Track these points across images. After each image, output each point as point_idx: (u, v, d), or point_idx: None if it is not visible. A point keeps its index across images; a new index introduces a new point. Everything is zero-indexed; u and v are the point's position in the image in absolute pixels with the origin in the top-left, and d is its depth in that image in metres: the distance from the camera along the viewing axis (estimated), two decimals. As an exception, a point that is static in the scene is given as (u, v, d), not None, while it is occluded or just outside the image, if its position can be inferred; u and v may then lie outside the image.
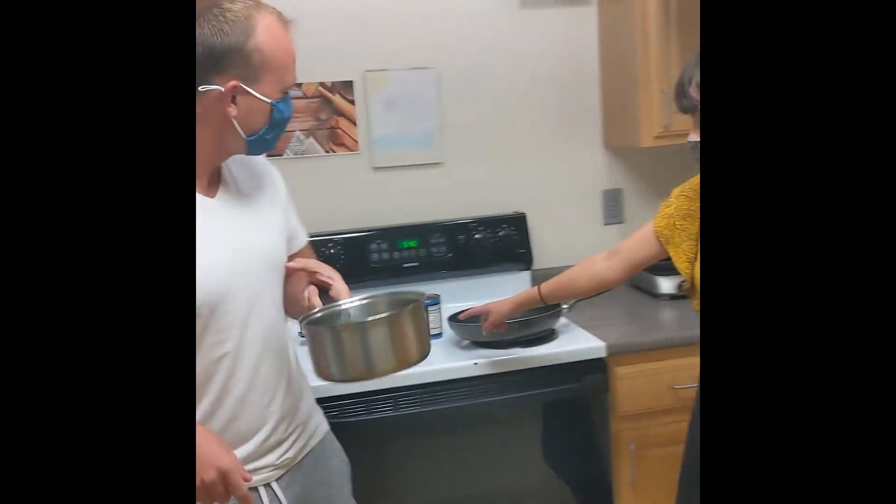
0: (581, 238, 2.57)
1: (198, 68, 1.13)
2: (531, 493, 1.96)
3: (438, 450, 1.90)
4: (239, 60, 1.15)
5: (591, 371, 1.93)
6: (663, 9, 2.17)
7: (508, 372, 1.89)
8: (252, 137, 1.22)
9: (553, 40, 2.48)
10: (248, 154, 1.29)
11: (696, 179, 1.65)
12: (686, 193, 1.65)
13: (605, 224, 2.60)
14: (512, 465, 1.93)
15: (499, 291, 2.33)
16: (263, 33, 1.17)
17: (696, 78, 1.40)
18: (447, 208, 2.44)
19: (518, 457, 1.94)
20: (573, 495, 1.99)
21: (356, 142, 2.39)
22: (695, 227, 1.61)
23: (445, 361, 1.90)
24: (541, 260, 2.49)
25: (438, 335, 2.10)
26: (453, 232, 2.38)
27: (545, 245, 2.53)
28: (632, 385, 1.97)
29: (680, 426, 1.98)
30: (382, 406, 1.83)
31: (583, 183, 2.57)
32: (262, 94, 1.19)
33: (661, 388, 1.97)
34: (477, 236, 2.38)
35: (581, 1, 2.48)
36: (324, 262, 2.24)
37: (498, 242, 2.40)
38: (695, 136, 1.45)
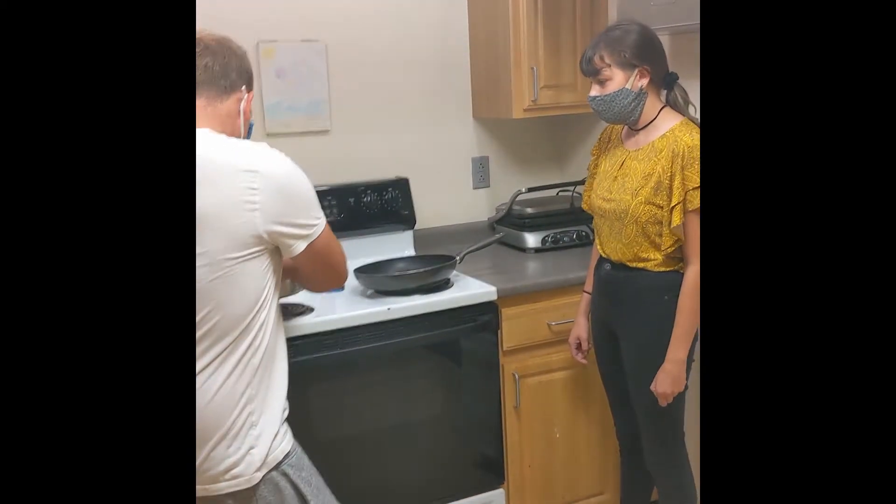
0: (454, 201, 2.85)
1: (236, 81, 1.52)
2: (436, 419, 2.23)
3: (357, 387, 2.11)
4: (251, 78, 1.58)
5: (484, 312, 2.22)
6: (531, -3, 2.49)
7: (416, 316, 2.13)
8: (250, 127, 1.62)
9: (429, 20, 2.73)
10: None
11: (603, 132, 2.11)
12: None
13: (474, 188, 2.90)
14: (420, 397, 2.19)
15: (386, 248, 2.58)
16: None
17: (599, 51, 1.86)
18: (335, 173, 2.62)
19: (424, 389, 2.20)
20: (472, 416, 2.28)
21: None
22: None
23: (359, 308, 2.10)
24: (421, 220, 2.74)
25: (340, 288, 2.30)
26: (344, 195, 2.57)
27: (423, 207, 2.78)
28: (516, 324, 2.29)
29: (555, 357, 2.34)
30: (305, 349, 2.01)
31: (454, 151, 2.85)
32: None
33: (541, 326, 2.30)
34: (366, 199, 2.59)
35: (452, -15, 2.74)
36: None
37: (384, 205, 2.62)
38: (594, 92, 1.90)
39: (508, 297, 2.26)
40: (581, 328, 2.18)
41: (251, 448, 1.38)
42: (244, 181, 1.34)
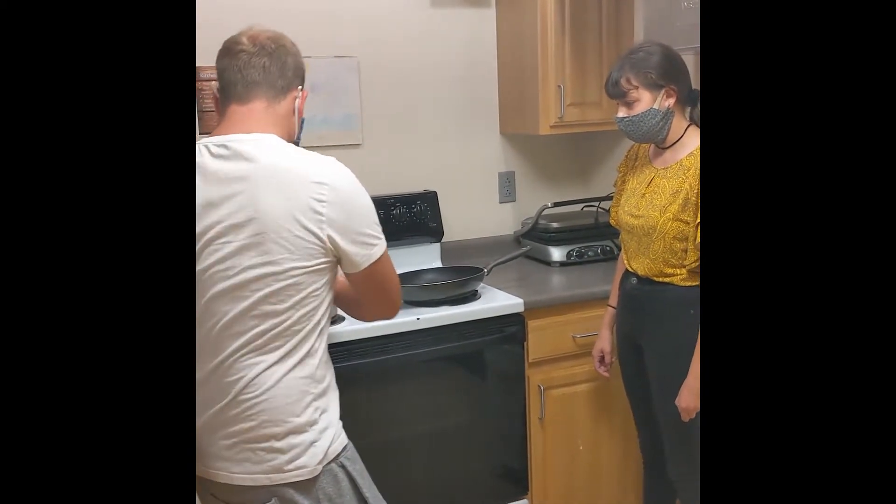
0: (480, 214, 2.91)
1: (292, 80, 1.53)
2: (463, 428, 2.27)
3: (386, 396, 2.16)
4: (304, 76, 1.59)
5: (511, 324, 2.27)
6: (559, 14, 2.54)
7: (444, 326, 2.18)
8: (302, 122, 1.61)
9: (458, 38, 2.79)
10: (295, 140, 1.60)
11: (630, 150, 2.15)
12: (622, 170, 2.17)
13: (501, 202, 2.96)
14: (447, 407, 2.23)
15: (415, 260, 2.63)
16: None
17: (625, 73, 1.88)
18: (367, 185, 2.66)
19: (452, 399, 2.24)
20: (495, 429, 2.32)
21: (284, 122, 2.57)
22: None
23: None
24: (448, 233, 2.80)
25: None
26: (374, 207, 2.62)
27: (450, 220, 2.84)
28: (542, 336, 2.33)
29: (579, 370, 2.38)
30: (337, 357, 2.06)
31: (482, 165, 2.90)
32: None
33: (565, 338, 2.35)
34: (395, 211, 2.65)
35: (482, 3, 2.80)
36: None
37: (413, 217, 2.68)
38: (622, 113, 1.94)
39: (534, 309, 2.30)
40: (605, 341, 2.22)
41: (314, 441, 1.44)
42: (314, 192, 1.38)
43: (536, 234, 2.81)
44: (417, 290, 2.30)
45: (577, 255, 2.71)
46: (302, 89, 1.56)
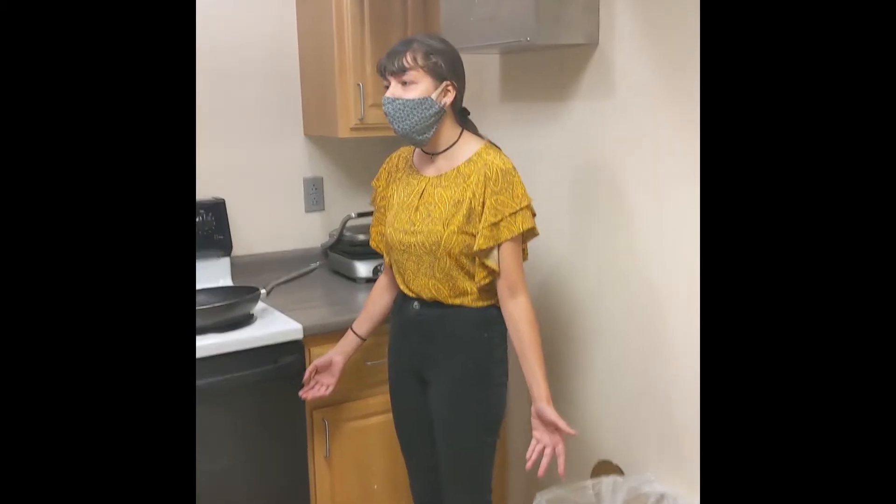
0: (283, 225, 2.62)
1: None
2: (231, 472, 1.98)
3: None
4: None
5: (288, 353, 2.00)
6: (357, 5, 2.29)
7: (204, 357, 1.89)
8: None
9: (258, 26, 2.50)
10: None
11: (386, 163, 1.90)
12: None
13: (307, 211, 2.68)
14: (218, 446, 1.94)
15: (201, 276, 2.32)
16: None
17: (412, 50, 1.66)
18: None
19: (220, 438, 1.95)
20: (273, 470, 2.05)
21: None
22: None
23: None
24: (241, 246, 2.51)
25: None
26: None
27: (246, 231, 2.54)
28: (327, 364, 2.07)
29: (368, 402, 2.14)
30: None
31: (284, 171, 2.62)
32: None
33: (353, 366, 2.10)
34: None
35: (281, -10, 2.52)
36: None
37: (195, 229, 2.37)
38: (394, 94, 1.69)
39: (318, 335, 2.04)
40: (325, 360, 1.97)
41: None
42: None
43: (342, 248, 2.55)
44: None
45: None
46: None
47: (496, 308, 1.76)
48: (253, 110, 2.53)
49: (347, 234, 2.54)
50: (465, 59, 1.74)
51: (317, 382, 1.98)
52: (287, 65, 2.57)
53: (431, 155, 1.75)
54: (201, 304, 2.07)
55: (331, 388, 1.97)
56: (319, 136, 2.63)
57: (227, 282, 2.40)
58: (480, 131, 1.79)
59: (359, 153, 2.72)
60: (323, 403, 2.08)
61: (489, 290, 1.74)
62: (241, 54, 2.48)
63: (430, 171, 1.76)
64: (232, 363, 1.93)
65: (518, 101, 2.20)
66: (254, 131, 2.54)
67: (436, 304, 1.77)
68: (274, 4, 2.51)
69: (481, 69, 2.28)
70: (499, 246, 1.67)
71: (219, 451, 1.96)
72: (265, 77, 2.53)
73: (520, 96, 2.20)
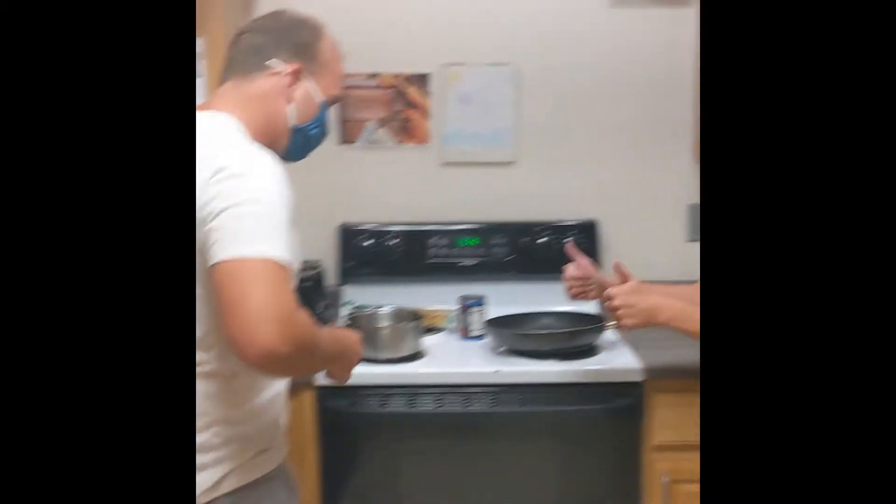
0: (660, 253, 2.41)
1: (266, 51, 1.25)
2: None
3: (449, 453, 1.83)
4: (308, 53, 1.28)
5: (623, 394, 1.80)
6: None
7: (531, 385, 1.80)
8: (299, 126, 1.28)
9: (643, 44, 2.34)
10: (284, 154, 1.28)
11: None
12: None
13: (690, 241, 2.42)
14: (525, 484, 1.83)
15: (559, 300, 2.24)
16: (329, 42, 1.32)
17: None
18: (514, 209, 2.37)
19: (533, 475, 1.84)
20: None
21: (427, 135, 2.37)
22: None
23: (470, 366, 1.84)
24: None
25: (481, 337, 2.05)
26: (516, 234, 2.30)
27: (618, 257, 2.39)
28: (672, 413, 1.82)
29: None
30: (398, 400, 1.80)
31: (666, 195, 2.41)
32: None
33: (705, 422, 1.80)
34: (541, 240, 2.29)
35: (679, 1, 2.32)
36: (381, 254, 2.25)
37: (563, 249, 2.29)
38: None
39: (662, 379, 1.80)
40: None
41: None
42: None
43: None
44: (514, 336, 1.94)
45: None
46: (297, 65, 1.26)
47: None
48: (635, 128, 2.37)
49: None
50: None
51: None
52: (678, 85, 2.35)
53: None
54: (544, 327, 1.99)
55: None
56: (709, 159, 2.35)
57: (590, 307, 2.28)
58: None
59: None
60: (664, 458, 1.82)
61: None
62: (622, 70, 2.35)
63: None
64: (559, 396, 1.81)
65: None
66: (636, 151, 2.38)
67: None
68: (665, 22, 2.33)
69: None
70: None
71: (533, 486, 1.85)
72: (649, 94, 2.36)
73: None
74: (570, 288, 1.80)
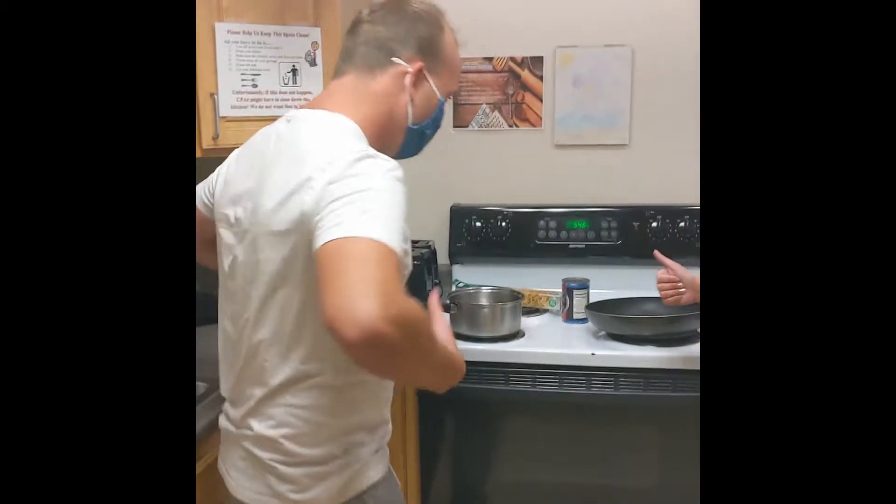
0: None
1: (391, 45, 1.20)
2: (642, 495, 1.87)
3: (541, 432, 1.88)
4: (432, 49, 1.22)
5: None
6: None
7: (626, 369, 1.80)
8: (415, 126, 1.24)
9: (768, 18, 2.24)
10: (396, 153, 1.26)
11: None
12: None
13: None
14: (617, 468, 1.85)
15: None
16: (450, 37, 1.27)
17: None
18: (625, 193, 2.35)
19: (626, 460, 1.85)
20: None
21: (540, 118, 2.39)
22: None
23: (566, 347, 1.87)
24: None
25: (584, 320, 2.07)
26: (627, 218, 2.29)
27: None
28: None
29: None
30: (494, 378, 1.86)
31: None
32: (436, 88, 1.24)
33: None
34: (653, 224, 2.27)
35: (809, -26, 2.20)
36: (491, 234, 2.29)
37: (675, 234, 2.26)
38: None
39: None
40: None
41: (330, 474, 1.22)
42: None
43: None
44: (613, 320, 1.94)
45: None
46: (421, 63, 1.21)
47: None
48: None
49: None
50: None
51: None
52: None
53: None
54: (646, 313, 1.98)
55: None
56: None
57: (699, 294, 2.24)
58: None
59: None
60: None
61: None
62: None
63: None
64: (654, 381, 1.80)
65: None
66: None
67: None
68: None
69: None
70: None
71: (630, 469, 1.86)
72: None
73: None
74: (662, 292, 1.79)
